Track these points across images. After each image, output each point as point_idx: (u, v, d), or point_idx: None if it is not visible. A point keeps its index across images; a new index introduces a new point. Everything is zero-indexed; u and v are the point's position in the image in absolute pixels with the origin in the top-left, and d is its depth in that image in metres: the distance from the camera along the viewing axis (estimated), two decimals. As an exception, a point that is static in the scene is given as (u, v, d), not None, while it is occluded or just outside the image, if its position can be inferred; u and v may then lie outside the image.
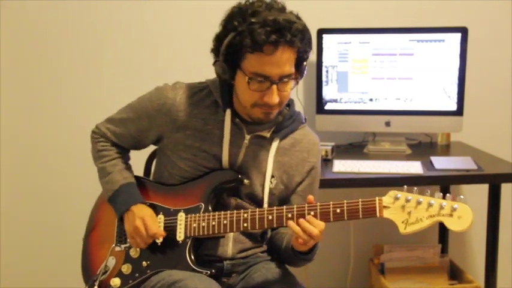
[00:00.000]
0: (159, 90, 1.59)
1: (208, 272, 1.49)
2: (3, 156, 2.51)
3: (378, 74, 2.34)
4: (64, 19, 2.44)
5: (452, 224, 1.31)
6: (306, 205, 1.43)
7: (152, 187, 1.64)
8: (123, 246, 1.59)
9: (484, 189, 2.17)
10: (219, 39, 1.47)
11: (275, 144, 1.59)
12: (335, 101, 2.38)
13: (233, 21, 1.42)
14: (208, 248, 1.56)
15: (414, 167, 2.04)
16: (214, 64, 1.50)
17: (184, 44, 2.47)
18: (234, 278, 1.59)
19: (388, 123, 2.36)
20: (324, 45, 2.34)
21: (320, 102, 2.38)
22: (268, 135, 1.58)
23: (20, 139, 2.51)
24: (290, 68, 1.44)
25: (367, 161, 2.15)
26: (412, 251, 2.42)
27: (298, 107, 2.54)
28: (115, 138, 1.67)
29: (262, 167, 1.58)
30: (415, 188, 1.36)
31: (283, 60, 1.42)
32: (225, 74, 1.47)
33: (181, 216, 1.54)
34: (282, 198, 1.63)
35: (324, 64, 2.36)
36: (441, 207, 1.31)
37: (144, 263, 1.54)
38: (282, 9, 1.44)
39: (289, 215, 1.44)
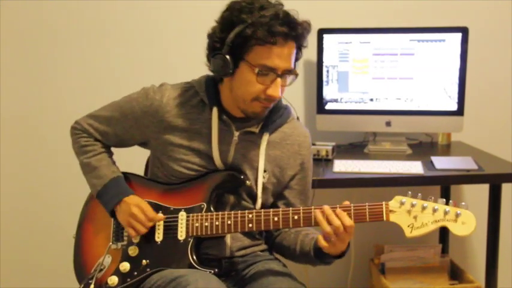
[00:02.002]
0: (145, 91, 1.60)
1: (212, 272, 1.48)
2: (3, 156, 2.51)
3: (378, 73, 2.34)
4: (64, 19, 2.44)
5: (456, 229, 1.35)
6: (313, 207, 1.44)
7: (149, 185, 1.63)
8: (119, 244, 1.58)
9: (484, 189, 2.17)
10: (221, 31, 1.47)
11: (265, 139, 1.59)
12: (335, 100, 2.38)
13: (241, 14, 1.43)
14: (205, 247, 1.56)
15: (415, 167, 2.04)
16: (213, 57, 1.48)
17: (184, 42, 2.47)
18: (232, 276, 1.59)
19: (388, 123, 2.36)
20: (324, 45, 2.34)
21: (320, 102, 2.38)
22: (257, 130, 1.59)
23: (20, 139, 2.51)
24: (292, 63, 1.48)
25: (367, 161, 2.14)
26: (412, 251, 2.42)
27: (297, 107, 2.56)
28: (98, 135, 1.67)
29: (254, 162, 1.58)
30: (419, 194, 1.40)
31: (289, 54, 1.46)
32: (227, 66, 1.46)
33: (182, 215, 1.54)
34: (275, 192, 1.63)
35: (324, 64, 2.35)
36: (446, 213, 1.36)
37: (144, 262, 1.53)
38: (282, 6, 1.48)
39: (295, 217, 1.44)
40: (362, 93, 2.36)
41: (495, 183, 2.08)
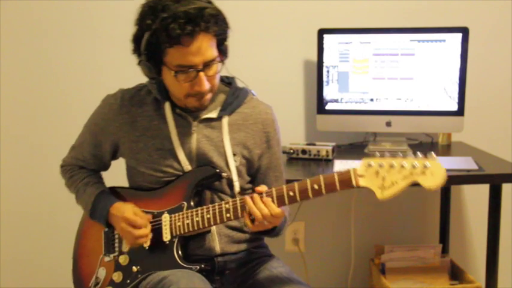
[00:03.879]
0: (102, 102, 1.66)
1: (198, 268, 1.49)
2: (3, 156, 2.51)
3: (378, 74, 2.34)
4: (64, 19, 2.44)
5: (426, 182, 1.32)
6: (284, 186, 1.43)
7: (132, 194, 1.65)
8: (111, 255, 1.60)
9: (485, 189, 2.17)
10: (136, 39, 1.49)
11: (225, 121, 1.59)
12: (336, 101, 2.38)
13: (145, 20, 1.44)
14: (196, 247, 1.57)
15: (415, 167, 2.04)
16: (138, 64, 1.52)
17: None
18: (227, 275, 1.60)
19: (389, 123, 2.36)
20: (324, 45, 2.34)
21: (321, 102, 2.38)
22: (215, 115, 1.59)
23: (20, 139, 2.51)
24: (212, 53, 1.47)
25: (368, 161, 2.14)
26: (412, 251, 2.42)
27: (297, 107, 2.56)
28: (81, 163, 1.72)
29: (220, 148, 1.58)
30: (387, 153, 1.36)
31: (203, 47, 1.44)
32: (152, 72, 1.50)
33: (165, 217, 1.55)
34: (249, 173, 1.63)
35: (324, 64, 2.35)
36: (413, 167, 1.31)
37: (134, 268, 1.55)
38: None
39: (269, 199, 1.44)
40: (362, 94, 2.36)
41: (495, 183, 2.08)
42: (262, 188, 1.45)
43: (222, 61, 1.52)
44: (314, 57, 2.38)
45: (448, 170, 2.00)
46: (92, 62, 2.48)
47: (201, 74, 1.46)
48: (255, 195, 1.43)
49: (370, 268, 2.54)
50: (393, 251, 2.44)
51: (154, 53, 1.46)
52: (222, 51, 1.53)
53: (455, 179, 2.07)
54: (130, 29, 2.44)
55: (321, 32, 2.34)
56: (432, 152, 1.33)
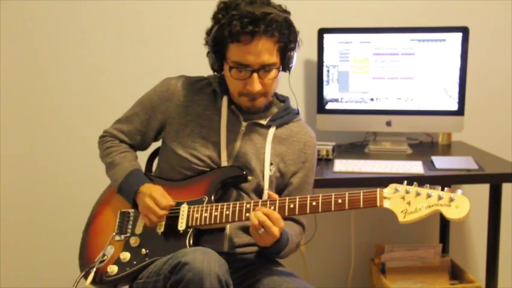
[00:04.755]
0: (163, 81, 1.72)
1: None
2: (3, 156, 2.51)
3: (378, 73, 2.34)
4: (65, 19, 2.44)
5: (449, 213, 1.35)
6: (309, 196, 1.47)
7: (157, 182, 1.66)
8: (123, 236, 1.62)
9: (485, 189, 2.17)
10: (208, 32, 1.59)
11: (272, 131, 1.66)
12: (336, 100, 2.38)
13: (218, 14, 1.54)
14: (204, 241, 1.58)
15: (415, 167, 2.04)
16: (206, 55, 1.61)
17: (183, 43, 2.47)
18: (230, 273, 1.59)
19: (389, 123, 2.36)
20: (324, 45, 2.34)
21: (321, 101, 2.38)
22: (264, 122, 1.66)
23: (20, 139, 2.51)
24: (270, 57, 1.53)
25: (368, 161, 2.15)
26: (413, 250, 2.42)
27: (299, 107, 2.55)
28: (123, 136, 1.73)
29: (260, 154, 1.64)
30: (415, 182, 1.41)
31: (262, 49, 1.51)
32: (215, 64, 1.59)
33: (184, 207, 1.57)
34: (278, 187, 1.67)
35: (324, 64, 2.35)
36: (439, 198, 1.36)
37: (143, 251, 1.56)
38: (267, 3, 1.54)
39: (291, 206, 1.47)
40: (362, 93, 2.36)
41: (495, 183, 2.08)
42: (275, 195, 1.51)
43: (278, 68, 1.57)
44: (314, 57, 2.38)
45: (448, 170, 2.04)
46: (92, 62, 2.47)
47: (255, 74, 1.53)
48: (260, 207, 1.48)
49: (370, 268, 2.54)
50: (393, 251, 2.44)
51: (218, 46, 1.55)
52: (285, 61, 1.58)
53: (456, 178, 2.07)
54: (132, 30, 2.46)
55: (321, 32, 2.34)
56: (460, 190, 1.37)
